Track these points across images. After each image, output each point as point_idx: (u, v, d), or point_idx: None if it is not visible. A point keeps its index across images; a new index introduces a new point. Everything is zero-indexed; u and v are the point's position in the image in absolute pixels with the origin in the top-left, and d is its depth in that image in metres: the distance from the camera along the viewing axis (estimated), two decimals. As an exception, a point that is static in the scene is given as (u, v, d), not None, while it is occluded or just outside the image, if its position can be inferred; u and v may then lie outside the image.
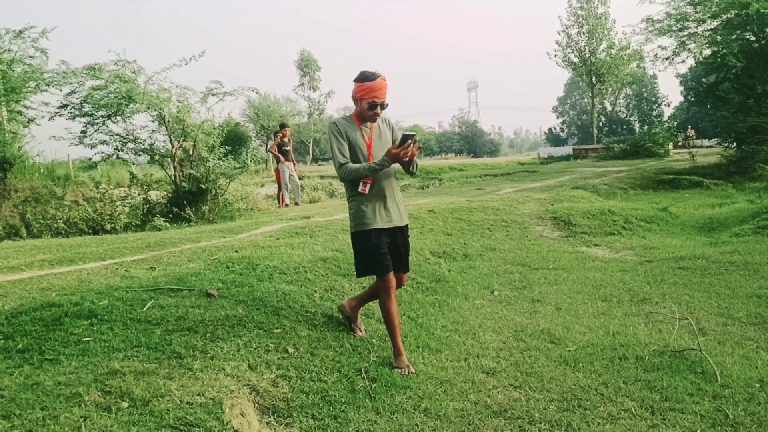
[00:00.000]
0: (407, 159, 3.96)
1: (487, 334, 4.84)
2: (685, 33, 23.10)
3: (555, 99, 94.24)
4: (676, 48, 23.68)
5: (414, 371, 4.08)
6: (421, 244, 7.70)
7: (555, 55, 52.86)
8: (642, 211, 11.34)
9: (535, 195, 13.58)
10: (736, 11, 19.77)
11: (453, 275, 6.78)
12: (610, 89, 63.76)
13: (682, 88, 59.13)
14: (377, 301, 4.41)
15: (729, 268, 6.82)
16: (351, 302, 4.70)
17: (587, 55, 51.73)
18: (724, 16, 21.18)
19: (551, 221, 10.48)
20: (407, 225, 4.39)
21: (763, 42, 21.57)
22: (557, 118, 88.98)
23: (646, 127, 60.70)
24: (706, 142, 47.61)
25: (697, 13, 22.23)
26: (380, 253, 4.11)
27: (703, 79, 30.21)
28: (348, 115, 4.29)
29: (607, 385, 3.76)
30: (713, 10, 21.36)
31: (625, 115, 79.77)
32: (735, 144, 24.34)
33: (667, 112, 75.04)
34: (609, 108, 77.41)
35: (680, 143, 42.58)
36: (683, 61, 25.45)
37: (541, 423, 3.28)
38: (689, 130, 47.78)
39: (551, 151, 53.47)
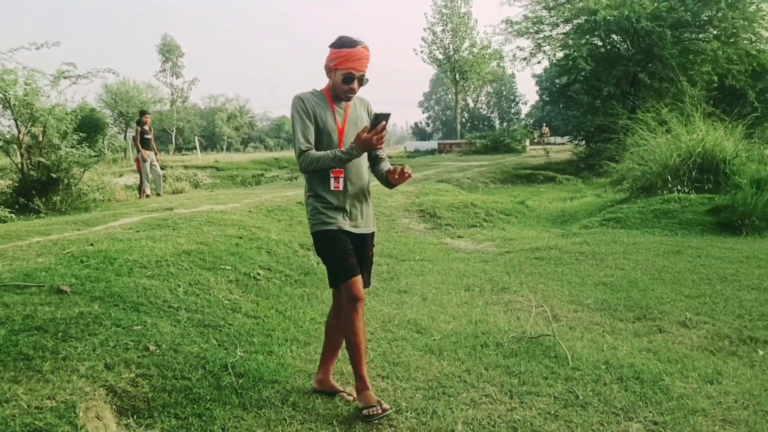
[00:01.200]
0: (381, 146, 3.30)
1: (356, 326, 4.87)
2: (541, 35, 24.42)
3: (421, 94, 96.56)
4: (532, 49, 24.98)
5: (388, 408, 3.29)
6: (290, 236, 7.63)
7: (421, 51, 54.07)
8: (502, 204, 11.89)
9: (401, 188, 13.83)
10: (586, 17, 21.13)
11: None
12: (473, 86, 66.13)
13: (537, 88, 62.47)
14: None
15: (579, 258, 7.29)
16: (319, 377, 3.66)
17: (451, 53, 53.28)
18: (575, 21, 22.59)
19: (417, 214, 10.74)
20: (374, 233, 3.68)
21: (608, 47, 23.22)
22: (423, 113, 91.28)
23: (505, 124, 63.71)
24: (559, 139, 50.56)
25: (551, 17, 23.57)
26: (346, 252, 3.37)
27: (556, 80, 32.04)
28: (318, 89, 3.48)
29: (470, 371, 3.90)
30: (566, 15, 22.72)
31: (486, 111, 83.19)
32: (584, 142, 26.06)
33: (525, 110, 79.12)
34: (471, 104, 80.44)
35: (536, 140, 44.95)
36: (539, 62, 27.03)
37: (407, 411, 3.34)
38: (544, 127, 50.50)
39: (417, 145, 54.75)
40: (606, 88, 21.96)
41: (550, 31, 24.23)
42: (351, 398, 3.50)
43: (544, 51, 25.01)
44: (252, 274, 5.89)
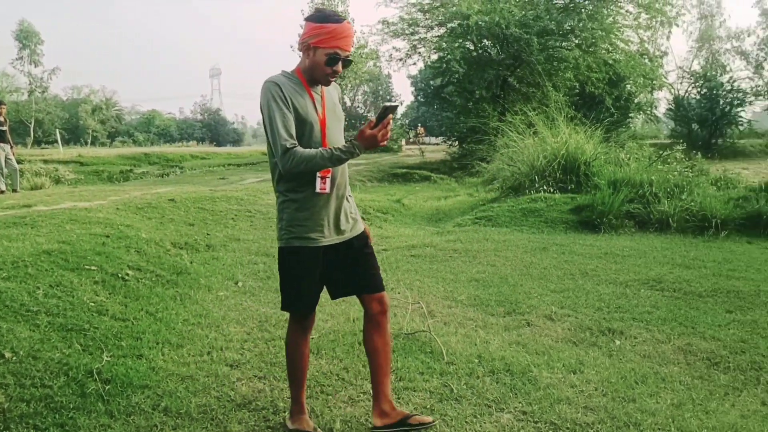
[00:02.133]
0: (385, 143, 2.79)
1: (231, 326, 4.76)
2: (416, 37, 24.94)
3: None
4: (408, 51, 25.47)
5: None
6: (161, 235, 7.33)
7: (298, 48, 53.79)
8: (379, 202, 12.03)
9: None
10: (459, 21, 21.82)
11: (195, 267, 6.57)
12: (350, 85, 66.51)
13: (413, 89, 63.72)
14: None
15: (453, 255, 7.51)
16: (379, 410, 3.10)
17: (328, 51, 53.34)
18: (449, 25, 23.28)
19: (294, 211, 10.63)
20: (364, 232, 3.16)
21: (480, 51, 24.10)
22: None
23: (381, 124, 64.51)
24: (433, 139, 51.96)
25: (426, 20, 24.13)
26: (308, 283, 2.98)
27: (431, 82, 32.86)
28: (289, 71, 2.94)
29: (348, 369, 3.91)
30: (440, 18, 23.35)
31: (363, 111, 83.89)
32: (457, 142, 26.95)
33: (400, 110, 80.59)
34: (348, 103, 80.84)
35: (411, 140, 45.90)
36: (414, 64, 27.57)
37: (285, 412, 3.30)
38: (419, 128, 51.63)
39: (294, 143, 54.28)
40: (478, 91, 22.80)
41: (425, 33, 24.81)
42: (429, 420, 3.12)
43: (420, 53, 25.58)
44: (120, 275, 5.60)
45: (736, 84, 33.35)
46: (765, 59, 56.95)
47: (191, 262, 6.69)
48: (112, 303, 4.95)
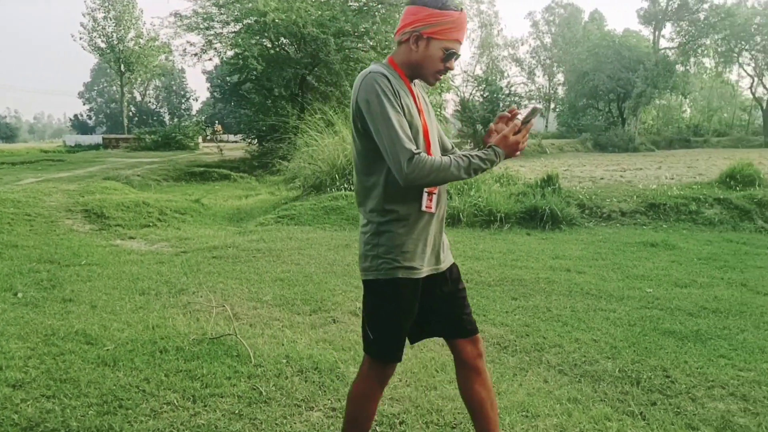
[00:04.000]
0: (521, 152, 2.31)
1: (12, 342, 4.30)
2: (212, 32, 24.24)
3: (81, 84, 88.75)
4: (203, 45, 24.68)
5: None
6: None
7: (80, 38, 50.01)
8: (176, 202, 11.55)
9: (62, 186, 12.63)
10: (256, 18, 21.56)
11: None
12: (140, 79, 63.27)
13: (209, 85, 62.06)
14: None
15: (256, 255, 7.41)
16: None
17: (115, 42, 50.29)
18: (246, 21, 22.89)
19: (82, 214, 9.88)
20: (455, 264, 2.57)
21: (278, 49, 24.03)
22: (84, 104, 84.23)
23: (176, 120, 62.16)
24: (232, 137, 50.95)
25: (222, 14, 23.53)
26: (407, 323, 2.40)
27: (228, 78, 32.17)
28: (384, 61, 2.35)
29: (149, 380, 3.70)
30: (236, 14, 22.89)
31: (155, 106, 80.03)
32: (257, 140, 26.63)
33: (196, 106, 78.10)
34: (139, 98, 76.71)
35: (209, 137, 44.68)
36: (210, 59, 26.68)
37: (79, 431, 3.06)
38: (217, 125, 50.43)
39: (79, 140, 50.62)
40: (276, 89, 22.72)
41: (221, 28, 24.19)
42: None
43: (216, 48, 24.92)
44: None
45: (513, 88, 36.57)
46: (536, 66, 63.24)
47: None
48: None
